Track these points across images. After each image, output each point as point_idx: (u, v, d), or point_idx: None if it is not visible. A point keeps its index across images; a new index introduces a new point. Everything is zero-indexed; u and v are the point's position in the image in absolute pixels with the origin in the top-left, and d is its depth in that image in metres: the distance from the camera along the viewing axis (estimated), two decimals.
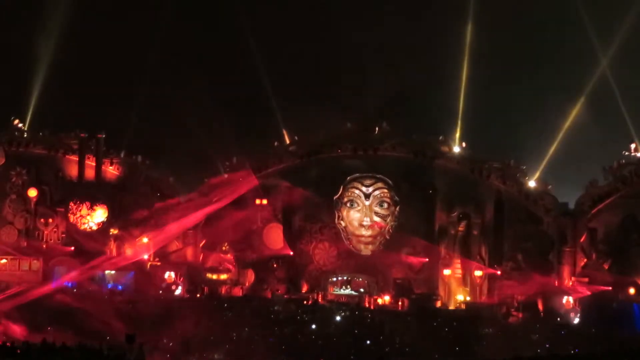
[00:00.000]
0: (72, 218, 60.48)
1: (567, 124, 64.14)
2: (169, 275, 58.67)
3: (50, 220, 59.91)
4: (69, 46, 64.93)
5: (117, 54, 68.54)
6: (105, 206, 60.70)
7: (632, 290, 56.42)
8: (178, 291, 58.42)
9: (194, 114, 62.54)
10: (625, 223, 58.40)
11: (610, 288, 56.75)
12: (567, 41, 71.31)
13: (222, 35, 73.25)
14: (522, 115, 70.50)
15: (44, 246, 59.44)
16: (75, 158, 62.17)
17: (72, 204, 60.21)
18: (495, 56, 70.81)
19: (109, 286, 57.53)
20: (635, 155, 59.60)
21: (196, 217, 60.30)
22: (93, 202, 60.78)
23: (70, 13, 64.63)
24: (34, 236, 59.85)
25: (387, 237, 61.78)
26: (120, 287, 57.47)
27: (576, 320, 56.08)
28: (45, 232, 59.84)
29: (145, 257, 59.56)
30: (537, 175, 61.79)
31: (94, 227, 60.46)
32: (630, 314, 54.52)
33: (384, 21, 73.82)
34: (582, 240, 59.34)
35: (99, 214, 60.53)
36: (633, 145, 59.80)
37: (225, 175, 62.03)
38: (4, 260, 58.22)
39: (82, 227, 60.29)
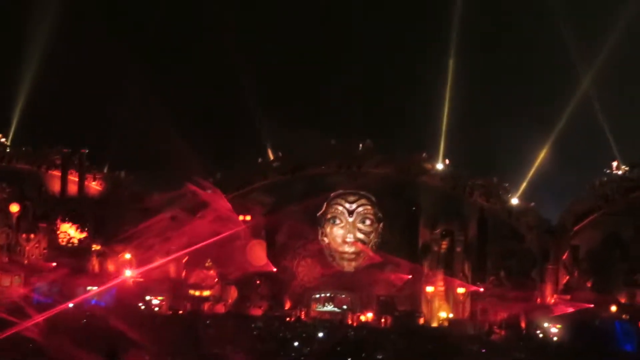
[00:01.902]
0: (54, 234, 59.92)
1: (550, 141, 64.46)
2: None
3: (32, 235, 59.59)
4: (52, 61, 64.92)
5: (101, 69, 68.64)
6: (87, 222, 60.35)
7: (614, 308, 56.44)
8: None
9: (179, 129, 62.77)
10: (608, 241, 58.47)
11: (592, 306, 56.83)
12: (549, 59, 72.10)
13: (206, 52, 73.46)
14: (505, 132, 70.91)
15: (26, 262, 58.99)
16: (58, 173, 61.92)
17: (55, 220, 59.98)
18: (479, 74, 71.26)
19: (92, 302, 56.97)
20: (616, 173, 59.81)
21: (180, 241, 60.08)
22: (75, 218, 60.42)
23: (53, 28, 64.81)
24: (16, 252, 59.41)
25: (371, 252, 61.55)
26: (102, 303, 56.98)
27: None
28: (27, 247, 59.43)
29: (128, 273, 59.22)
30: (519, 192, 61.97)
31: (76, 243, 60.06)
32: (612, 331, 54.47)
33: (369, 41, 74.15)
34: (564, 257, 59.34)
35: (81, 230, 60.27)
36: (615, 163, 59.94)
37: (209, 191, 61.65)
38: None
39: (64, 243, 59.95)
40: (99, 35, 69.17)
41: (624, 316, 55.71)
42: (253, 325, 55.21)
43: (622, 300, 56.92)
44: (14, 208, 59.73)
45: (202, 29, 74.07)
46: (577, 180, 62.50)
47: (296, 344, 53.18)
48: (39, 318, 51.76)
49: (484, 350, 53.05)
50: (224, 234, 59.26)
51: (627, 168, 59.81)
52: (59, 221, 60.40)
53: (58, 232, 60.32)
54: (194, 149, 61.80)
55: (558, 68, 70.52)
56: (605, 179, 59.95)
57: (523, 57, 73.47)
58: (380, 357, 52.40)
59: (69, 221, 60.27)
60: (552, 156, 64.13)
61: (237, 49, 68.85)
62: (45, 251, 59.92)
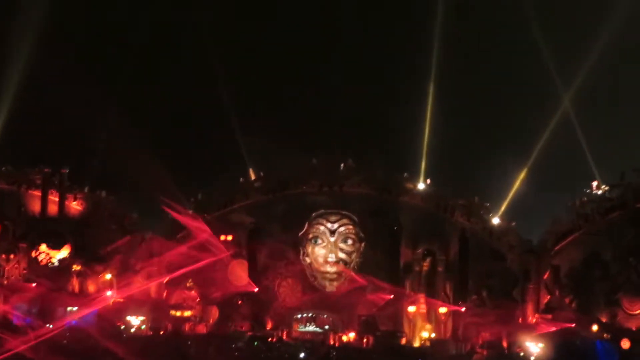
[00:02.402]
0: (34, 254, 59.75)
1: (531, 161, 64.93)
2: None
3: (12, 256, 59.29)
4: (32, 81, 64.87)
5: (81, 89, 68.73)
6: (68, 242, 60.17)
7: (595, 327, 56.55)
8: None
9: (160, 150, 62.83)
10: (588, 260, 58.64)
11: (573, 325, 56.79)
12: (530, 80, 72.95)
13: (186, 73, 73.91)
14: (486, 152, 71.63)
15: (5, 282, 58.67)
16: (38, 193, 61.86)
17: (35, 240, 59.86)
18: (461, 94, 72.02)
19: (73, 323, 56.71)
20: (596, 193, 60.23)
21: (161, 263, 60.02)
22: (55, 238, 60.27)
23: (33, 47, 64.88)
24: None
25: (353, 273, 61.43)
26: (81, 323, 56.60)
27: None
28: (7, 268, 59.12)
29: (109, 293, 59.07)
30: (500, 212, 62.28)
31: (56, 264, 59.92)
32: (593, 351, 54.29)
33: (352, 61, 74.93)
34: (545, 277, 59.51)
35: (62, 250, 60.16)
36: (595, 183, 60.41)
37: (190, 212, 61.84)
38: None
39: (44, 263, 59.73)
40: (79, 55, 69.45)
41: (605, 335, 55.67)
42: (234, 346, 55.16)
43: (603, 320, 57.00)
44: None
45: (182, 50, 74.67)
46: (557, 200, 62.76)
47: None
48: (22, 338, 52.20)
49: None
50: (204, 262, 59.41)
51: (607, 188, 60.22)
52: (39, 241, 60.05)
53: (38, 252, 60.06)
54: (175, 169, 62.11)
55: (538, 89, 71.39)
56: (586, 199, 60.39)
57: (504, 78, 74.20)
58: None
59: (48, 241, 60.20)
60: (533, 176, 64.38)
61: (218, 69, 69.40)
62: (25, 271, 59.52)
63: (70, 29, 70.11)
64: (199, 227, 60.24)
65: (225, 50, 71.79)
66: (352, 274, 61.41)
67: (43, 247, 60.27)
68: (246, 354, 54.43)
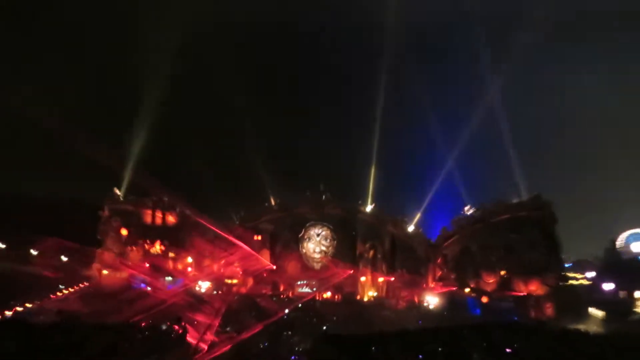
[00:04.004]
0: (147, 247, 70.59)
1: (434, 187, 75.16)
2: None
3: (134, 248, 70.82)
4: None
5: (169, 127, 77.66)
6: (167, 241, 72.23)
7: (467, 290, 68.20)
8: None
9: (215, 183, 72.94)
10: (463, 252, 70.93)
11: (455, 288, 68.80)
12: (440, 125, 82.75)
13: (223, 118, 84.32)
14: (407, 184, 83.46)
15: (129, 263, 69.62)
16: (149, 211, 73.37)
17: (148, 240, 70.28)
18: (395, 144, 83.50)
19: (168, 287, 67.52)
20: (467, 212, 72.25)
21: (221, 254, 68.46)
22: (159, 238, 71.47)
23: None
24: (124, 257, 69.69)
25: (329, 258, 72.61)
26: (173, 287, 67.26)
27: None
28: (131, 255, 70.72)
29: (189, 269, 70.08)
30: (414, 222, 73.76)
31: (159, 252, 71.52)
32: (466, 304, 66.52)
33: (326, 120, 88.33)
34: (439, 261, 71.35)
35: (163, 245, 70.24)
36: (466, 207, 72.26)
37: (237, 222, 71.26)
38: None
39: (154, 252, 71.39)
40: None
41: (473, 294, 67.84)
42: (257, 300, 64.20)
43: (472, 286, 68.93)
44: (124, 232, 71.19)
45: (215, 95, 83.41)
46: (447, 216, 74.45)
47: (287, 311, 63.72)
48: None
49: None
50: (248, 268, 68.96)
51: (474, 209, 71.94)
52: (149, 241, 69.52)
53: (150, 246, 70.09)
54: (226, 196, 71.97)
55: (445, 134, 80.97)
56: (461, 215, 72.13)
57: (427, 125, 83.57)
58: (333, 319, 62.46)
59: (156, 240, 70.65)
60: (434, 199, 74.61)
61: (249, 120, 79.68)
62: (141, 257, 70.36)
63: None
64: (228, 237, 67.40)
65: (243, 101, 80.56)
66: (327, 261, 71.99)
67: (157, 245, 70.59)
68: (271, 303, 63.95)
